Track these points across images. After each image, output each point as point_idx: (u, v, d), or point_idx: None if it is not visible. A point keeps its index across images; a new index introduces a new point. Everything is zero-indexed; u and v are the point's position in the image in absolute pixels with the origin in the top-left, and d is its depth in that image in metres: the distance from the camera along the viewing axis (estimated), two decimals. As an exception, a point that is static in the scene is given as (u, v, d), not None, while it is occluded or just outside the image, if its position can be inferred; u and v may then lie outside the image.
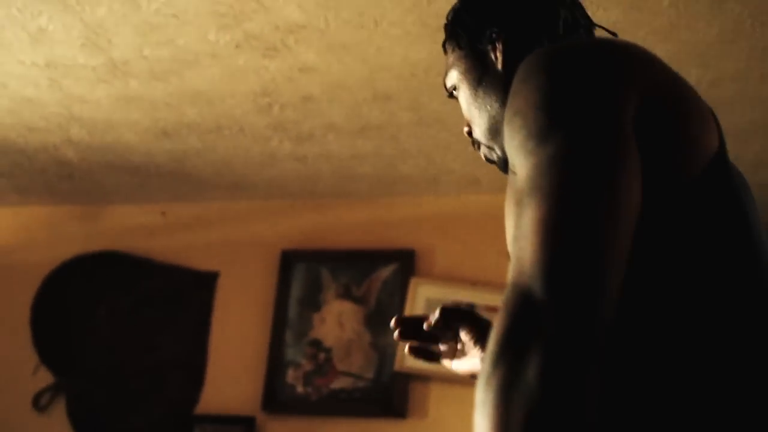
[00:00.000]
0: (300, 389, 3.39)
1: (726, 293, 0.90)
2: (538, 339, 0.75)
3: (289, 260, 3.57)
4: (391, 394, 3.29)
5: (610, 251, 0.79)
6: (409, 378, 3.30)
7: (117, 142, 3.15)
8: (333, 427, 3.33)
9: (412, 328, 1.39)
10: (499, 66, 1.22)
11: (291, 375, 3.41)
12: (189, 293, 3.64)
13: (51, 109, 2.89)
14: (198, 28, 2.38)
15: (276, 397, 3.39)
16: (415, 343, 1.41)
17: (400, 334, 1.38)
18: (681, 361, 0.88)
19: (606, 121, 0.87)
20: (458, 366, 1.37)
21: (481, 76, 1.24)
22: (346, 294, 3.48)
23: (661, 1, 2.22)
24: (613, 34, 1.26)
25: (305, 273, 3.54)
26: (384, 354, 3.35)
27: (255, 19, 2.33)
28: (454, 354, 1.37)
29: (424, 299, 3.33)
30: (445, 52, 1.34)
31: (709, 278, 0.90)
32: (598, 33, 1.31)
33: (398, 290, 3.39)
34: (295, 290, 3.52)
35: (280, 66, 2.58)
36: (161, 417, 3.49)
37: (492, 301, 3.29)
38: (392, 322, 1.39)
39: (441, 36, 2.39)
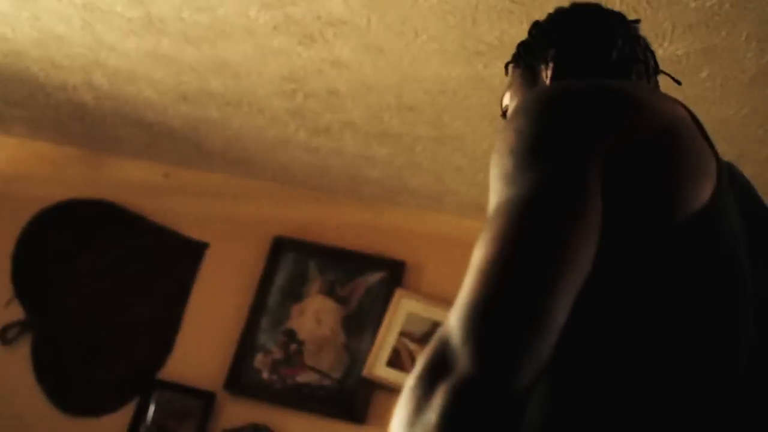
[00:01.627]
0: (265, 375, 3.38)
1: (685, 342, 0.89)
2: (443, 385, 0.74)
3: (280, 247, 3.56)
4: (355, 398, 3.28)
5: (541, 314, 0.76)
6: (376, 386, 3.29)
7: (136, 96, 3.15)
8: (290, 419, 3.33)
9: None
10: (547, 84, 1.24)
11: (259, 360, 3.40)
12: (175, 258, 3.63)
13: (78, 50, 2.88)
14: (240, 2, 2.38)
15: (240, 378, 3.38)
16: None
17: None
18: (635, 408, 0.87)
19: (569, 176, 0.85)
20: None
21: (528, 91, 1.27)
22: (329, 291, 3.47)
23: (699, 72, 2.23)
24: (678, 81, 1.28)
25: (293, 262, 3.53)
26: (355, 358, 3.34)
27: (299, 4, 2.33)
28: None
29: (406, 312, 3.33)
30: (506, 74, 1.38)
31: (670, 325, 0.89)
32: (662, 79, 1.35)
33: (381, 298, 3.39)
34: (280, 277, 3.52)
35: (313, 56, 2.58)
36: (123, 375, 3.48)
37: (471, 328, 3.29)
38: None
39: (477, 60, 2.40)
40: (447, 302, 3.35)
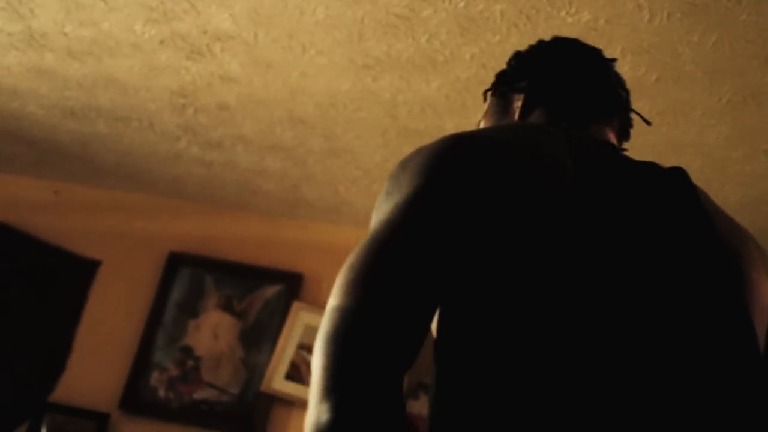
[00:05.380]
0: (162, 393, 3.33)
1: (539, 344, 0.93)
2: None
3: (176, 262, 3.52)
4: (253, 413, 3.26)
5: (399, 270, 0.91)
6: (274, 400, 3.28)
7: (20, 112, 3.06)
8: (188, 437, 3.28)
9: None
10: (516, 116, 1.27)
11: (155, 377, 3.35)
12: (67, 277, 3.54)
13: (-43, 65, 2.79)
14: (125, 16, 2.35)
15: (136, 397, 3.32)
16: None
17: None
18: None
19: (418, 213, 0.95)
20: None
21: (500, 120, 1.30)
22: (226, 306, 3.45)
23: (578, 83, 2.30)
24: (647, 122, 1.36)
25: (189, 278, 3.49)
26: (253, 372, 3.32)
27: (185, 19, 2.32)
28: None
29: (304, 325, 3.33)
30: (485, 101, 1.40)
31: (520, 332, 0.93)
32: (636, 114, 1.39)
33: (279, 311, 3.38)
34: (176, 293, 3.47)
35: (202, 70, 2.56)
36: (12, 397, 3.37)
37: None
38: None
39: (365, 74, 2.43)
40: (345, 313, 3.36)
